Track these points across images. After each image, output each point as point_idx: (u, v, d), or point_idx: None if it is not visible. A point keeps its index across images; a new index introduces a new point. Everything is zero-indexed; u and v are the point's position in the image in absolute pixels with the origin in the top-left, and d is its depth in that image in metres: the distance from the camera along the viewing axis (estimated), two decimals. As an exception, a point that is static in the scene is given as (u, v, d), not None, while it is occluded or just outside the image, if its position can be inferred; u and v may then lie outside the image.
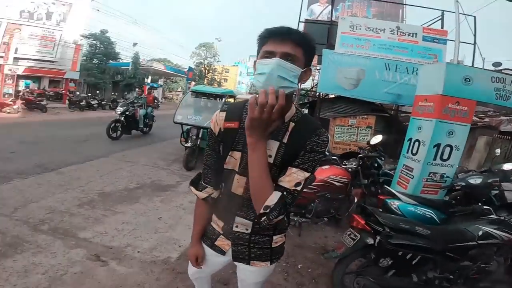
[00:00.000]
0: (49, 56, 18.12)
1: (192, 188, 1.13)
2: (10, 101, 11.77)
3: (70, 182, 4.08)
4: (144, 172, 5.03)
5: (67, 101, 16.36)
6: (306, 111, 10.28)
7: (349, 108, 7.54)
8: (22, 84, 16.91)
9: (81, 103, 15.58)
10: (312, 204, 3.02)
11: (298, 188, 0.88)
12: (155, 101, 9.90)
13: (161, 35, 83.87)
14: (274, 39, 0.84)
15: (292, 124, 0.93)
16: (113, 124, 7.66)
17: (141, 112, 8.56)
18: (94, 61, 22.48)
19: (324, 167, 3.22)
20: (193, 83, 30.67)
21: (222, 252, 1.12)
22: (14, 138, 6.61)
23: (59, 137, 7.33)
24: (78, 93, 18.54)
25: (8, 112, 10.97)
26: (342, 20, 7.10)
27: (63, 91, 18.27)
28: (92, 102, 16.38)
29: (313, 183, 2.91)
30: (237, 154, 0.96)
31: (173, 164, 5.84)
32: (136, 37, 32.19)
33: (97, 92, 22.01)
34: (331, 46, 7.03)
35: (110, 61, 23.50)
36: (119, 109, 7.92)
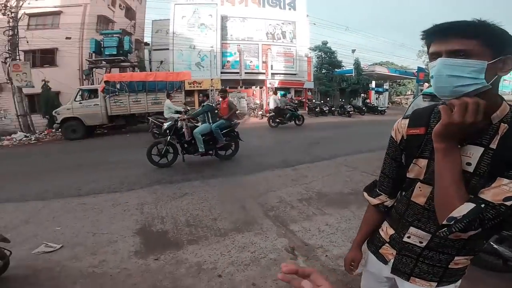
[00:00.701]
0: (292, 70, 23.20)
1: (365, 194, 1.13)
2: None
3: (299, 178, 4.99)
4: (361, 179, 4.97)
5: (307, 108, 20.22)
6: None
7: None
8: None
9: (316, 110, 18.66)
10: None
11: (508, 203, 0.70)
12: (231, 110, 6.30)
13: (376, 38, 79.39)
14: (437, 38, 0.76)
15: (504, 126, 0.77)
16: (160, 145, 5.58)
17: (201, 128, 5.72)
18: (322, 71, 25.91)
19: None
20: (426, 84, 26.34)
21: (385, 261, 1.04)
22: (272, 139, 9.35)
23: (299, 139, 9.17)
24: (314, 100, 22.32)
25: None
26: None
27: (304, 99, 22.74)
28: (324, 109, 19.07)
29: None
30: (423, 162, 0.89)
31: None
32: (352, 44, 33.06)
33: (327, 99, 25.14)
34: None
35: (335, 70, 25.91)
36: (165, 124, 5.80)
